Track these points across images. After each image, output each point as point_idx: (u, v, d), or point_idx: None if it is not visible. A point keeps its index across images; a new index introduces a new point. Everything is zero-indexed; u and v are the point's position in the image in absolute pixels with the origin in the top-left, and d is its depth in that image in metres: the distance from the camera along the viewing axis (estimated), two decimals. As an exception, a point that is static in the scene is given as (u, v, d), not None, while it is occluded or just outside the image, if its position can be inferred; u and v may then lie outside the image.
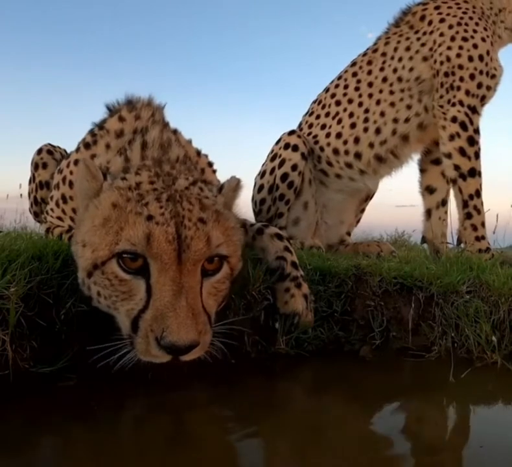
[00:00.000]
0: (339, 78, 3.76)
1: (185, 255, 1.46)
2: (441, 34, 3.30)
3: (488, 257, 3.03)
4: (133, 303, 1.48)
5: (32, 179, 3.34)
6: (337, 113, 3.63)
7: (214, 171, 2.28)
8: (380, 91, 3.45)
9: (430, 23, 3.40)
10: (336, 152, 3.59)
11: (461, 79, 3.20)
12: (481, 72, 3.21)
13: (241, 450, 1.33)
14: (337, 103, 3.65)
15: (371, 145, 3.48)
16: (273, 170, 3.56)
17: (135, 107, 2.15)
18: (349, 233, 3.98)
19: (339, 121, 3.60)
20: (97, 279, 1.54)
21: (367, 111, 3.49)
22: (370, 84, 3.52)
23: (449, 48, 3.25)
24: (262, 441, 1.38)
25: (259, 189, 3.67)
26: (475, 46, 3.22)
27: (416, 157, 3.67)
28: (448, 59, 3.24)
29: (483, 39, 3.25)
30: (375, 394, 1.81)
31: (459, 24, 3.28)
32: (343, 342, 2.28)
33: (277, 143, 3.67)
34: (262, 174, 3.69)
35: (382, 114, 3.43)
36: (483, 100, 3.26)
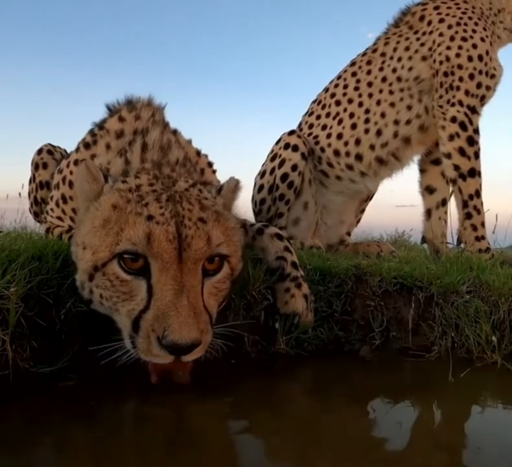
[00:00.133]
0: (339, 78, 3.76)
1: (185, 255, 1.46)
2: (441, 34, 3.31)
3: (488, 257, 3.03)
4: (134, 304, 1.48)
5: (32, 180, 3.34)
6: (337, 114, 3.63)
7: (214, 171, 2.29)
8: (380, 91, 3.45)
9: (429, 23, 3.40)
10: (336, 153, 3.59)
11: (461, 79, 3.21)
12: (480, 72, 3.21)
13: (241, 450, 1.33)
14: (337, 103, 3.65)
15: (372, 147, 3.47)
16: (273, 170, 3.56)
17: (135, 107, 2.15)
18: (349, 233, 3.98)
19: (340, 122, 3.60)
20: (98, 281, 1.54)
21: (367, 111, 3.49)
22: (369, 84, 3.52)
23: (448, 48, 3.25)
24: (262, 441, 1.38)
25: (259, 189, 3.67)
26: (474, 46, 3.22)
27: (416, 158, 3.67)
28: (448, 59, 3.24)
29: (483, 39, 3.25)
30: (375, 394, 1.81)
31: (458, 24, 3.28)
32: (343, 342, 2.28)
33: (277, 143, 3.67)
34: (262, 174, 3.69)
35: (383, 115, 3.43)
36: (483, 100, 3.26)
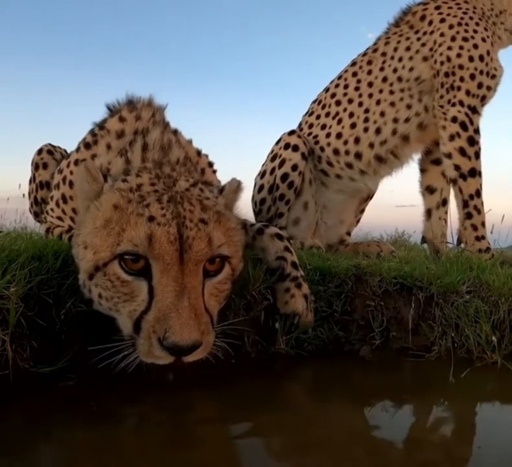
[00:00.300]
0: (339, 78, 3.75)
1: (186, 256, 1.46)
2: (442, 34, 3.30)
3: (488, 257, 3.03)
4: (135, 305, 1.48)
5: (33, 180, 3.34)
6: (337, 113, 3.63)
7: (215, 171, 2.28)
8: (380, 91, 3.45)
9: (431, 23, 3.40)
10: (336, 152, 3.59)
11: (462, 79, 3.20)
12: (481, 73, 3.21)
13: (241, 449, 1.33)
14: (338, 103, 3.65)
15: (371, 145, 3.47)
16: (273, 170, 3.56)
17: (135, 107, 2.15)
18: (348, 233, 3.98)
19: (340, 121, 3.60)
20: (99, 281, 1.54)
21: (367, 111, 3.49)
22: (370, 84, 3.52)
23: (449, 48, 3.25)
24: (262, 440, 1.38)
25: (259, 189, 3.67)
26: (475, 46, 3.22)
27: (416, 157, 3.67)
28: (449, 59, 3.24)
29: (484, 40, 3.25)
30: (375, 394, 1.81)
31: (459, 24, 3.28)
32: (343, 342, 2.28)
33: (277, 143, 3.67)
34: (262, 174, 3.69)
35: (382, 114, 3.43)
36: (484, 100, 3.26)
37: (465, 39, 3.23)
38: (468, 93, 3.20)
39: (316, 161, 3.65)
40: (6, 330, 1.62)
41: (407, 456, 1.33)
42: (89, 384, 1.65)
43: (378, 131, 3.44)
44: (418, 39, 3.41)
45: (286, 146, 3.54)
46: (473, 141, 3.19)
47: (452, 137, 3.21)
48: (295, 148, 3.51)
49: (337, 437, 1.42)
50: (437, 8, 3.43)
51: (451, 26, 3.29)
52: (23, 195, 3.55)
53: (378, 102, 3.45)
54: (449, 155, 3.23)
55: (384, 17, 3.77)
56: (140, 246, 1.45)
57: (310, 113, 3.86)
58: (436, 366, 2.11)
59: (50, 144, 3.33)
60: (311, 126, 3.77)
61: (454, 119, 3.20)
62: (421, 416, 1.66)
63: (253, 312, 2.06)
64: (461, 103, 3.20)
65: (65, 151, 3.30)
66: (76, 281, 1.71)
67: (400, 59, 3.42)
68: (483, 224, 3.20)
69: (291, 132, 3.64)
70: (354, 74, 3.64)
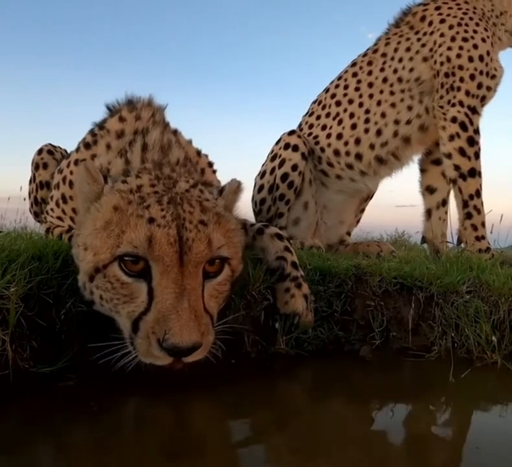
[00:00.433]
0: (340, 78, 3.75)
1: (186, 258, 1.47)
2: (442, 35, 3.30)
3: (488, 257, 3.03)
4: (134, 306, 1.48)
5: (33, 180, 3.34)
6: (337, 114, 3.63)
7: (214, 171, 2.28)
8: (381, 92, 3.45)
9: (431, 23, 3.40)
10: (336, 152, 3.59)
11: (461, 79, 3.21)
12: (481, 73, 3.21)
13: (241, 450, 1.33)
14: (338, 103, 3.65)
15: (372, 146, 3.48)
16: (273, 170, 3.56)
17: (135, 107, 2.15)
18: (348, 233, 3.98)
19: (340, 122, 3.60)
20: (99, 283, 1.54)
21: (367, 111, 3.49)
22: (370, 85, 3.52)
23: (449, 48, 3.25)
24: (262, 440, 1.38)
25: (259, 189, 3.67)
26: (475, 46, 3.22)
27: (416, 158, 3.67)
28: (449, 59, 3.24)
29: (484, 40, 3.25)
30: (375, 394, 1.81)
31: (459, 24, 3.28)
32: (343, 342, 2.28)
33: (277, 143, 3.67)
34: (262, 174, 3.69)
35: (383, 115, 3.43)
36: (483, 100, 3.26)
37: (465, 40, 3.24)
38: (468, 93, 3.20)
39: (316, 162, 3.65)
40: (6, 330, 1.61)
41: (407, 456, 1.33)
42: (89, 384, 1.65)
43: (378, 132, 3.44)
44: (419, 39, 3.41)
45: (286, 146, 3.54)
46: (473, 141, 3.19)
47: (451, 138, 3.21)
48: (295, 148, 3.52)
49: (337, 437, 1.42)
50: (437, 8, 3.43)
51: (451, 27, 3.30)
52: (25, 199, 3.55)
53: (378, 103, 3.45)
54: (449, 156, 3.23)
55: (384, 18, 3.77)
56: (140, 248, 1.45)
57: (310, 114, 3.86)
58: (436, 366, 2.11)
59: (50, 144, 3.33)
60: (311, 126, 3.77)
61: (454, 119, 3.20)
62: (421, 416, 1.66)
63: (253, 312, 2.06)
64: (461, 103, 3.20)
65: (65, 151, 3.30)
66: (76, 281, 1.71)
67: (401, 60, 3.42)
68: (483, 224, 3.20)
69: (291, 132, 3.64)
70: (355, 74, 3.64)
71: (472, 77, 3.20)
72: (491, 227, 3.78)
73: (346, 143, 3.55)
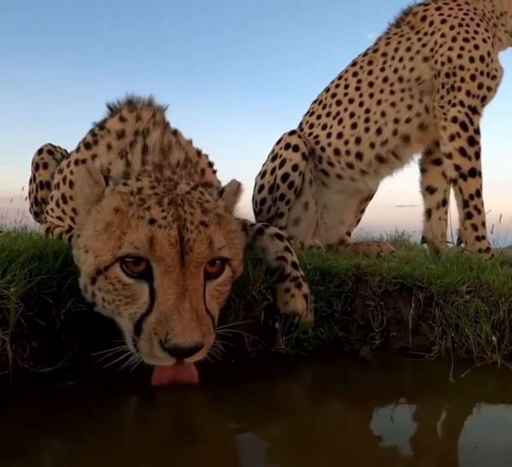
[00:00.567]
0: (340, 78, 3.75)
1: (187, 258, 1.47)
2: (442, 35, 3.30)
3: (488, 257, 3.03)
4: (137, 307, 1.49)
5: (33, 180, 3.34)
6: (338, 113, 3.63)
7: (215, 171, 2.28)
8: (381, 91, 3.45)
9: (431, 23, 3.40)
10: (337, 152, 3.59)
11: (462, 80, 3.21)
12: (482, 73, 3.21)
13: (241, 450, 1.33)
14: (338, 103, 3.65)
15: (372, 145, 3.48)
16: (273, 170, 3.56)
17: (135, 107, 2.15)
18: (349, 233, 3.98)
19: (340, 121, 3.60)
20: (100, 285, 1.54)
21: (368, 111, 3.49)
22: (371, 84, 3.52)
23: (450, 49, 3.25)
24: (262, 440, 1.38)
25: (260, 189, 3.67)
26: (476, 47, 3.22)
27: (417, 157, 3.68)
28: (449, 60, 3.24)
29: (484, 40, 3.25)
30: (375, 394, 1.81)
31: (460, 25, 3.28)
32: (343, 342, 2.28)
33: (278, 143, 3.67)
34: (262, 174, 3.69)
35: (383, 114, 3.43)
36: (484, 100, 3.26)
37: (466, 40, 3.24)
38: (468, 93, 3.20)
39: (317, 161, 3.65)
40: (6, 330, 1.62)
41: (407, 456, 1.33)
42: (89, 384, 1.65)
43: (379, 131, 3.45)
44: (419, 39, 3.41)
45: (287, 146, 3.54)
46: (473, 141, 3.19)
47: (452, 138, 3.21)
48: (296, 149, 3.51)
49: (337, 437, 1.42)
50: (438, 8, 3.43)
51: (452, 27, 3.29)
52: (26, 198, 3.55)
53: (379, 102, 3.45)
54: (449, 156, 3.23)
55: (384, 17, 3.77)
56: (141, 249, 1.45)
57: (310, 113, 3.86)
58: (436, 366, 2.11)
59: (50, 144, 3.33)
60: (312, 126, 3.77)
61: (454, 119, 3.20)
62: (421, 416, 1.66)
63: (253, 312, 2.06)
64: (462, 103, 3.20)
65: (65, 151, 3.30)
66: (76, 281, 1.71)
67: (401, 60, 3.42)
68: (483, 224, 3.20)
69: (292, 132, 3.64)
70: (355, 74, 3.64)
71: (473, 77, 3.20)
72: (491, 227, 3.78)
73: (346, 142, 3.55)
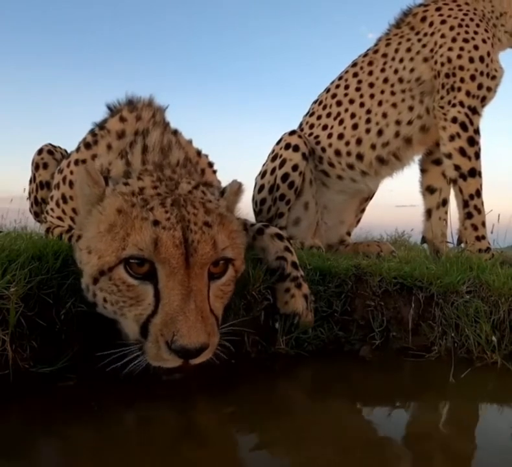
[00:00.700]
0: (340, 78, 3.75)
1: (192, 259, 1.47)
2: (442, 35, 3.31)
3: (488, 257, 3.03)
4: (141, 309, 1.48)
5: (33, 180, 3.34)
6: (338, 114, 3.63)
7: (215, 171, 2.28)
8: (382, 92, 3.46)
9: (431, 24, 3.40)
10: (337, 153, 3.59)
11: (462, 80, 3.21)
12: (481, 74, 3.21)
13: (242, 449, 1.33)
14: (339, 103, 3.65)
15: (373, 147, 3.48)
16: (273, 170, 3.56)
17: (136, 107, 2.15)
18: (349, 233, 3.98)
19: (341, 122, 3.60)
20: (103, 286, 1.54)
21: (369, 112, 3.49)
22: (371, 85, 3.52)
23: (450, 49, 3.25)
24: (263, 440, 1.38)
25: (260, 189, 3.67)
26: (476, 47, 3.22)
27: (417, 158, 3.68)
28: (449, 60, 3.24)
29: (484, 41, 3.25)
30: (375, 394, 1.81)
31: (460, 25, 3.28)
32: (343, 342, 2.28)
33: (278, 143, 3.67)
34: (262, 174, 3.69)
35: (384, 115, 3.43)
36: (484, 101, 3.27)
37: (466, 41, 3.24)
38: (468, 93, 3.20)
39: (317, 162, 3.65)
40: (6, 330, 1.61)
41: (407, 456, 1.33)
42: (89, 384, 1.65)
43: (380, 132, 3.45)
44: (419, 40, 3.41)
45: (287, 146, 3.54)
46: (473, 142, 3.19)
47: (452, 138, 3.21)
48: (296, 149, 3.51)
49: (337, 437, 1.42)
50: (438, 9, 3.43)
51: (452, 28, 3.30)
52: (27, 199, 3.54)
53: (379, 103, 3.45)
54: (449, 156, 3.24)
55: (384, 18, 3.78)
56: (145, 250, 1.45)
57: (310, 114, 3.86)
58: (436, 366, 2.11)
59: (50, 144, 3.33)
60: (312, 126, 3.77)
61: (454, 120, 3.20)
62: (421, 416, 1.67)
63: (253, 312, 2.06)
64: (461, 104, 3.20)
65: (66, 151, 3.30)
66: (76, 281, 1.71)
67: (401, 60, 3.42)
68: (483, 224, 3.21)
69: (292, 132, 3.64)
70: (355, 74, 3.64)
71: (473, 78, 3.21)
72: (492, 227, 3.78)
73: (347, 143, 3.55)
